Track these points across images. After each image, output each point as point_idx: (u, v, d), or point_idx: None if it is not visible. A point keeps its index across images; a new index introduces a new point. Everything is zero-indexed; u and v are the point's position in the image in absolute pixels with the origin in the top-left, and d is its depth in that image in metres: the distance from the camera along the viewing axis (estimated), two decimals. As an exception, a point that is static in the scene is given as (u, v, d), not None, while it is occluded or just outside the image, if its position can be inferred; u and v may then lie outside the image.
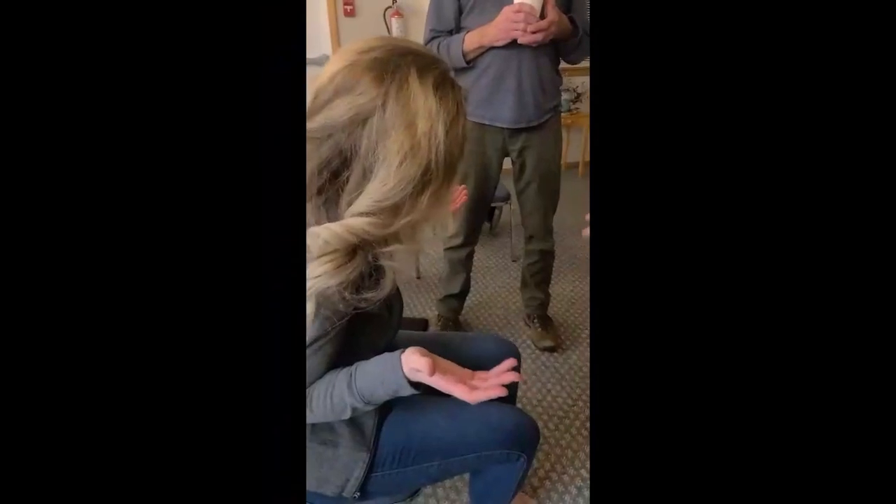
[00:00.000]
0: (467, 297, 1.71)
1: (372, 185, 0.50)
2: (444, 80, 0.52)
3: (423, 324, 1.75)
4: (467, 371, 0.60)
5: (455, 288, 1.63)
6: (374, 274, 0.56)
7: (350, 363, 0.62)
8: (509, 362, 0.58)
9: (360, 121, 0.49)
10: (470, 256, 1.58)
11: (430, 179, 0.51)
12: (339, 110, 0.49)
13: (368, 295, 0.55)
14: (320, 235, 0.50)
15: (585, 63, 1.47)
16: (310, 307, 0.53)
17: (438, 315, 1.70)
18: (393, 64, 0.50)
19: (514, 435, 0.74)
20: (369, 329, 0.64)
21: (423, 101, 0.49)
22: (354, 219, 0.50)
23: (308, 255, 0.51)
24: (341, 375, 0.61)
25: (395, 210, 0.51)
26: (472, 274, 1.66)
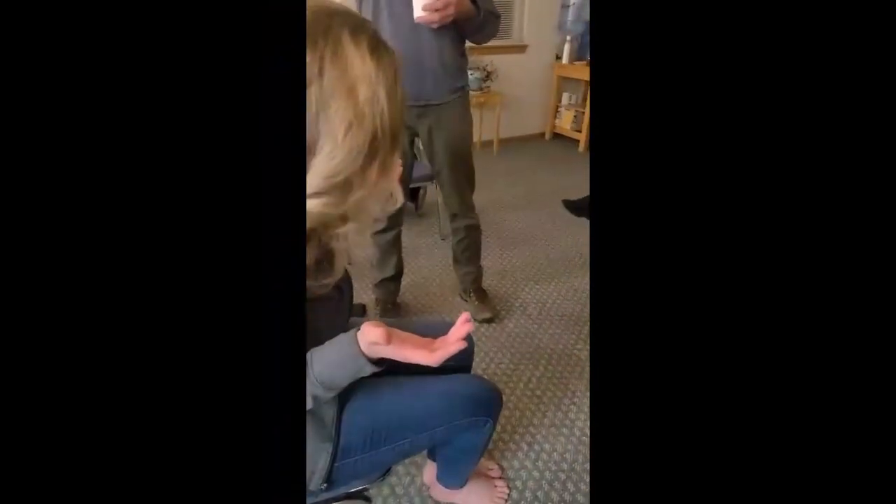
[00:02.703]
0: (402, 279, 1.72)
1: (319, 161, 0.46)
2: (378, 43, 0.49)
3: (360, 309, 1.74)
4: (425, 339, 0.59)
5: (389, 271, 1.63)
6: (325, 257, 0.54)
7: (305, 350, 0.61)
8: (465, 315, 0.57)
9: None
10: (398, 238, 1.59)
11: (377, 149, 0.48)
12: None
13: (325, 280, 0.53)
14: None
15: (494, 42, 1.50)
16: None
17: (377, 299, 1.70)
18: (323, 25, 0.45)
19: (479, 401, 0.78)
20: (322, 314, 0.62)
21: (360, 65, 0.46)
22: (308, 202, 0.47)
23: None
24: None
25: (346, 186, 0.48)
26: (403, 255, 1.68)
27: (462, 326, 0.56)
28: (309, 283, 0.54)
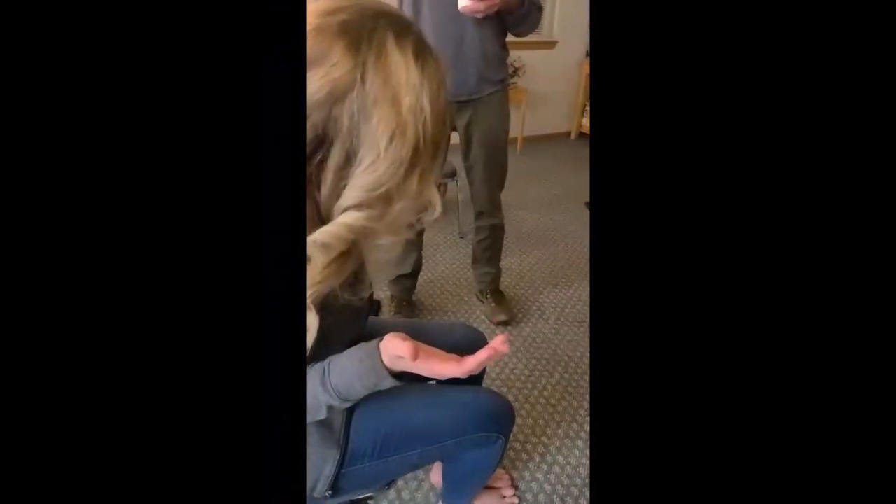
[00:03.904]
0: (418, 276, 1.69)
1: (360, 173, 0.44)
2: (422, 47, 0.46)
3: (375, 306, 1.71)
4: (449, 354, 0.57)
5: (407, 268, 1.60)
6: (361, 268, 0.53)
7: (322, 357, 0.58)
8: (501, 338, 0.56)
9: (337, 97, 0.42)
10: (420, 234, 1.56)
11: (418, 160, 0.46)
12: (312, 86, 0.42)
13: (362, 293, 0.52)
14: (318, 241, 0.45)
15: (527, 37, 1.46)
16: (311, 318, 0.48)
17: (391, 296, 1.67)
18: (367, 29, 0.43)
19: (492, 417, 0.74)
20: (341, 319, 0.60)
21: (405, 72, 0.43)
22: (350, 214, 0.45)
23: (310, 265, 0.46)
24: (313, 373, 0.57)
25: (387, 198, 0.46)
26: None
27: (498, 340, 0.55)
28: (347, 296, 0.52)
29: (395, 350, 0.54)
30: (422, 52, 0.45)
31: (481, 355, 0.54)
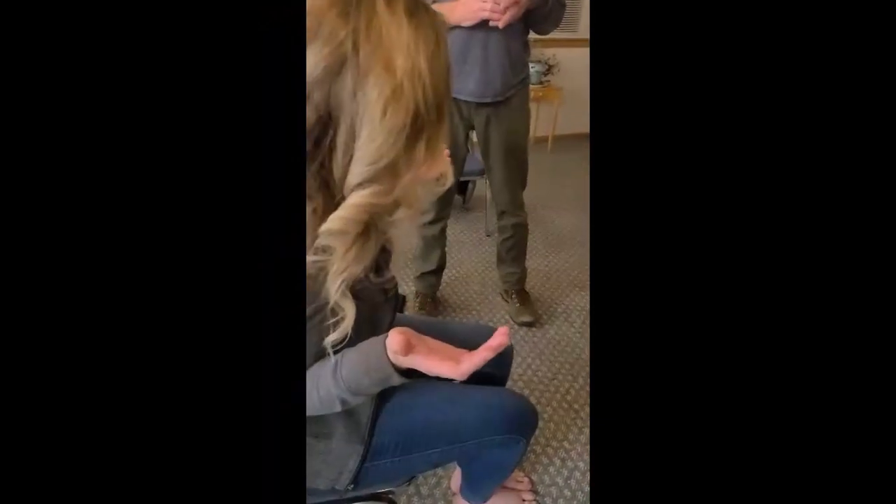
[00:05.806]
0: (443, 273, 1.68)
1: (360, 146, 0.42)
2: (416, 5, 0.43)
3: (400, 300, 1.72)
4: (457, 350, 0.52)
5: (431, 264, 1.60)
6: (384, 249, 0.52)
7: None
8: (504, 329, 0.49)
9: (334, 71, 0.40)
10: (443, 231, 1.56)
11: (422, 126, 0.43)
12: (310, 64, 0.40)
13: (388, 275, 0.51)
14: (332, 229, 0.44)
15: (558, 34, 1.43)
16: (348, 306, 0.47)
17: (416, 292, 1.67)
18: None
19: (515, 419, 0.73)
20: (373, 305, 0.58)
21: (396, 33, 0.41)
22: (357, 194, 0.44)
23: (332, 255, 0.45)
24: (328, 366, 0.56)
25: (393, 171, 0.44)
26: (447, 249, 1.64)
27: (497, 338, 0.49)
28: (373, 278, 0.51)
29: (390, 344, 0.50)
30: (415, 10, 0.43)
31: (477, 356, 0.49)
